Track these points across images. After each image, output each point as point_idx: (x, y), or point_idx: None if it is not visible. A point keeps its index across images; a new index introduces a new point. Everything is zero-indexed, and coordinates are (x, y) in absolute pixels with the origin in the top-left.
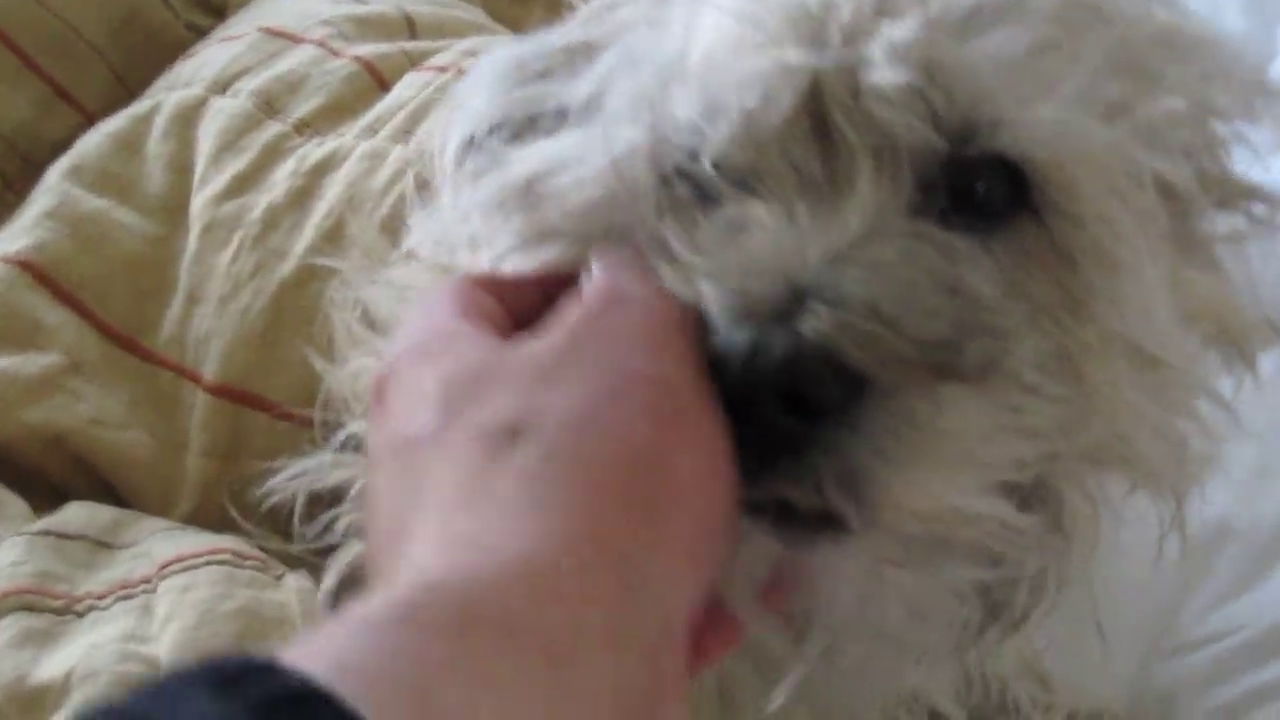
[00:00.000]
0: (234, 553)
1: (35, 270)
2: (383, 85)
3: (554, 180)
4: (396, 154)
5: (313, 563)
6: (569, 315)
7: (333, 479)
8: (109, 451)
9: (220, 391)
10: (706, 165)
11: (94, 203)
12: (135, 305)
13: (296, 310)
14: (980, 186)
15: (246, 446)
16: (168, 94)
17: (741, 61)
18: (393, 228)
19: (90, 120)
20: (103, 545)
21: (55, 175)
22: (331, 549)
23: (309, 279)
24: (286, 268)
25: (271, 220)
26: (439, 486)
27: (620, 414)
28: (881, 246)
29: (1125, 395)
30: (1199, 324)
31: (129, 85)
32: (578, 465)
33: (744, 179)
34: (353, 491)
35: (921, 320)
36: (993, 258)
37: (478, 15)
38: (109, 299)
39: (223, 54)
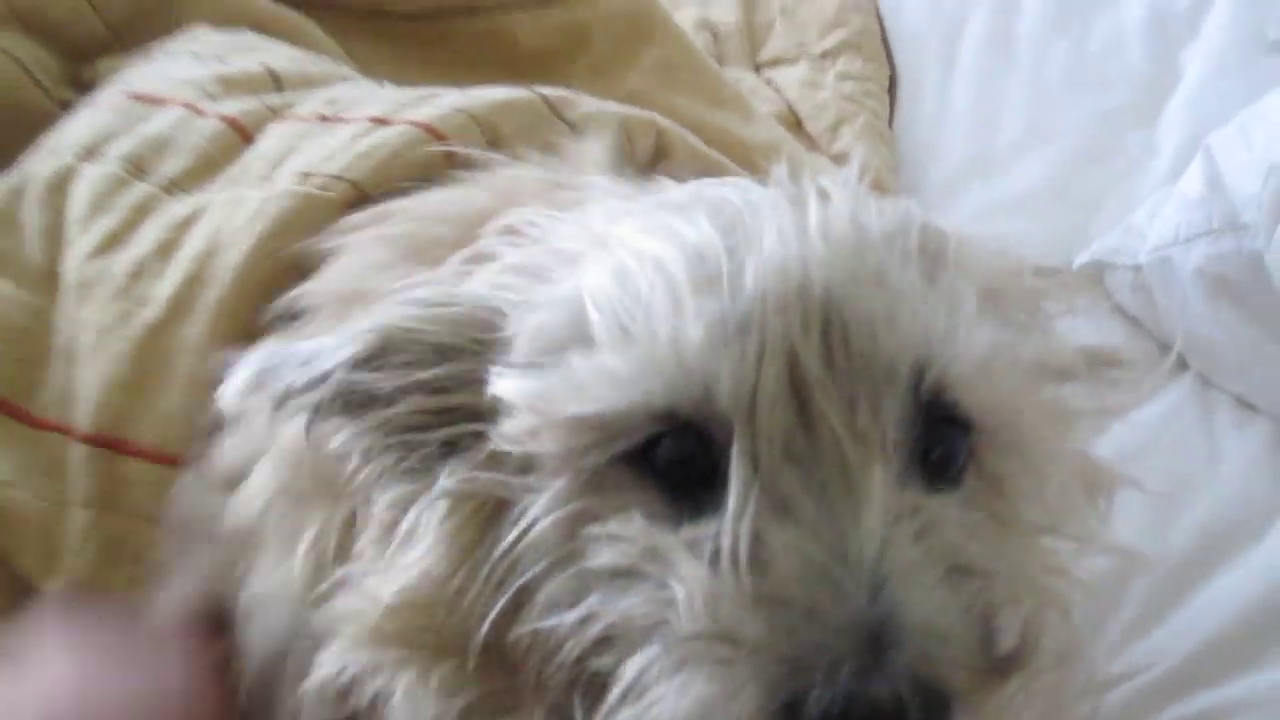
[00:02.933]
0: None
1: None
2: (247, 139)
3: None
4: (255, 196)
5: None
6: None
7: None
8: None
9: (94, 440)
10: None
11: None
12: (19, 373)
13: (161, 354)
14: (946, 449)
15: (125, 496)
16: (38, 164)
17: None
18: (248, 279)
19: None
20: None
21: None
22: None
23: (171, 323)
24: (150, 313)
25: (137, 272)
26: None
27: None
28: (904, 547)
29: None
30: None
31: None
32: None
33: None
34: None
35: (966, 624)
36: (958, 509)
37: (341, 68)
38: None
39: (91, 121)
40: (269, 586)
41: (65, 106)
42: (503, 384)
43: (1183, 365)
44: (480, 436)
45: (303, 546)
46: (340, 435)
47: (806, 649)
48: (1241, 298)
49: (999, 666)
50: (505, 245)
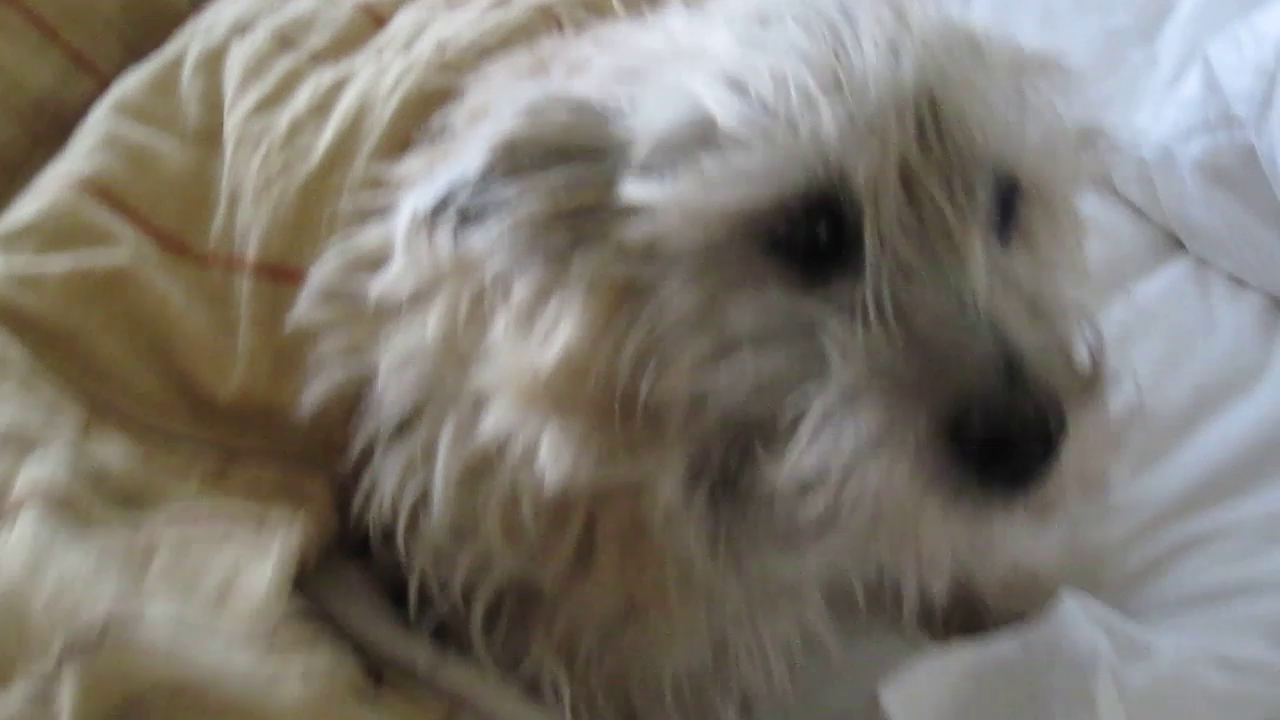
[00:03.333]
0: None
1: (96, 188)
2: (379, 24)
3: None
4: (399, 62)
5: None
6: None
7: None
8: (174, 328)
9: (261, 270)
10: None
11: (140, 132)
12: (184, 215)
13: (321, 197)
14: (1014, 209)
15: (285, 318)
16: (192, 40)
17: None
18: (399, 128)
19: (105, 86)
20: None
21: (101, 112)
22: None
23: (330, 171)
24: (311, 162)
25: (295, 128)
26: None
27: None
28: (1003, 294)
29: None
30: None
31: (138, 55)
32: None
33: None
34: (388, 393)
35: (1057, 351)
36: (1021, 258)
37: None
38: (160, 212)
39: (237, 5)
40: (406, 347)
41: (195, 5)
42: (633, 188)
43: (1181, 247)
44: (606, 230)
45: (436, 312)
46: (478, 239)
47: (957, 378)
48: (1234, 185)
49: (1084, 383)
50: (597, 54)
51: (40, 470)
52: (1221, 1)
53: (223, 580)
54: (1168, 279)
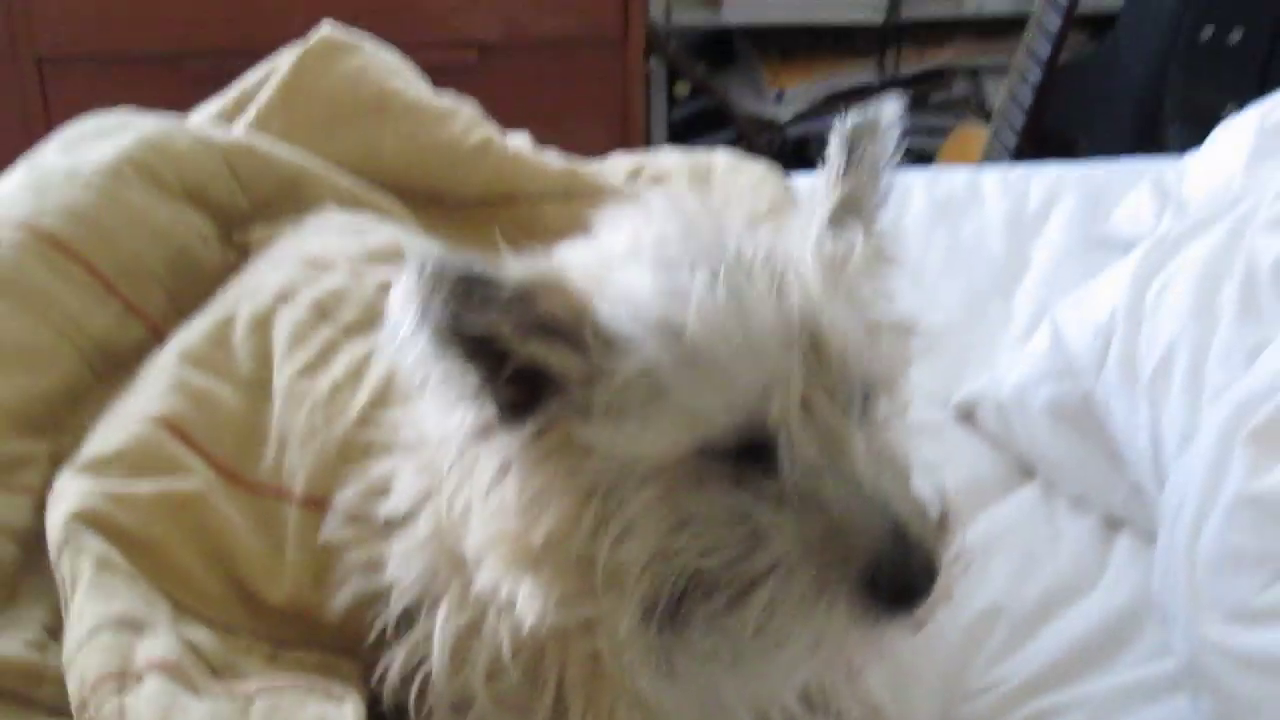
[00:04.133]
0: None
1: (170, 425)
2: None
3: None
4: None
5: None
6: None
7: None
8: (236, 545)
9: (307, 502)
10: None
11: (202, 379)
12: (239, 451)
13: (356, 447)
14: (871, 402)
15: (324, 542)
16: (240, 301)
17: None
18: None
19: (154, 329)
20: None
21: (169, 359)
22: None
23: (364, 426)
24: (349, 419)
25: (335, 391)
26: None
27: None
28: (883, 475)
29: None
30: None
31: (178, 304)
32: None
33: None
34: (395, 591)
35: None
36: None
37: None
38: (220, 447)
39: (279, 275)
40: (406, 549)
41: (225, 262)
42: (599, 432)
43: (1032, 474)
44: (572, 433)
45: (426, 515)
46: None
47: (865, 545)
48: (1076, 425)
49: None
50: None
51: (155, 646)
52: (1066, 268)
53: None
54: (1021, 500)
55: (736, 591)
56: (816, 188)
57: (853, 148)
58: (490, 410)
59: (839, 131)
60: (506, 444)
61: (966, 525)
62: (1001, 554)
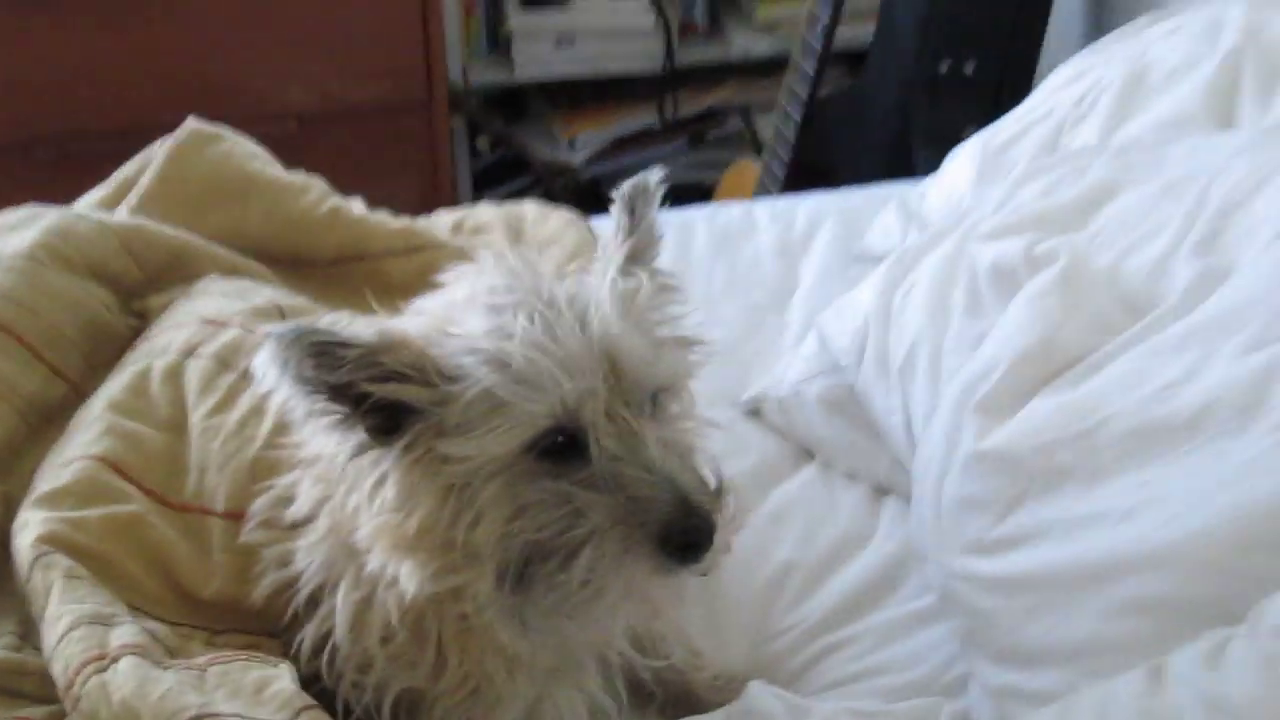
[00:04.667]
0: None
1: (108, 463)
2: None
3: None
4: None
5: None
6: None
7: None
8: (171, 554)
9: (228, 515)
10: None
11: (129, 424)
12: (165, 480)
13: (265, 466)
14: (660, 403)
15: (244, 545)
16: (152, 358)
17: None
18: None
19: (75, 388)
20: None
21: (99, 409)
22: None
23: (269, 450)
24: (256, 445)
25: (241, 425)
26: None
27: None
28: (670, 458)
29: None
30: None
31: (92, 364)
32: None
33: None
34: (303, 579)
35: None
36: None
37: (299, 298)
38: (149, 478)
39: (182, 334)
40: (309, 544)
41: (129, 327)
42: (453, 445)
43: (811, 456)
44: (433, 446)
45: (323, 516)
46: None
47: (658, 515)
48: (843, 412)
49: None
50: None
51: (123, 634)
52: (829, 283)
53: (257, 685)
54: (804, 478)
55: (565, 556)
56: (607, 239)
57: (631, 208)
58: (359, 436)
59: (618, 195)
60: (380, 458)
61: (742, 495)
62: (791, 521)
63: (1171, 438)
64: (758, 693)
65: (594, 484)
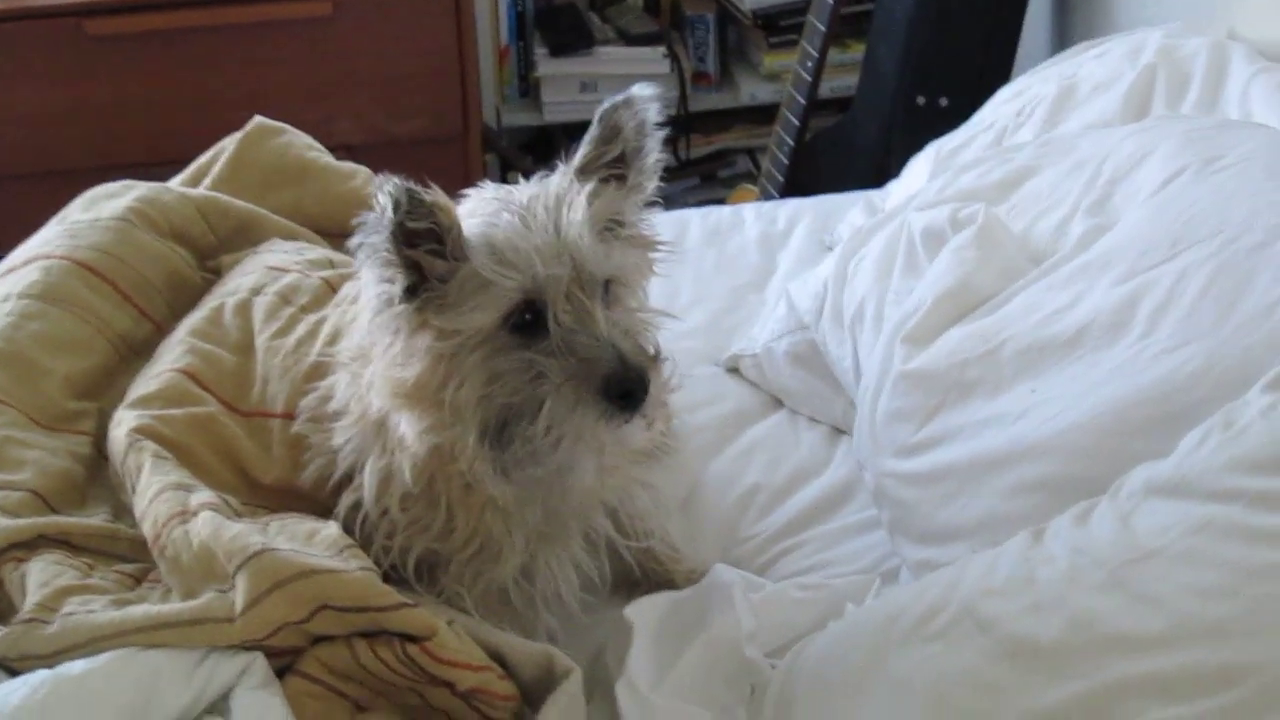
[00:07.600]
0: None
1: (189, 374)
2: (334, 290)
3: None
4: (350, 311)
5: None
6: None
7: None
8: (239, 448)
9: (285, 415)
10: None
11: (206, 345)
12: (235, 390)
13: (315, 374)
14: (611, 290)
15: (295, 435)
16: (225, 297)
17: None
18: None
19: (159, 328)
20: None
21: (182, 334)
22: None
23: (320, 364)
24: (309, 360)
25: (298, 345)
26: None
27: None
28: (616, 333)
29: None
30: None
31: (174, 309)
32: None
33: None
34: (339, 458)
35: (641, 347)
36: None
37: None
38: (222, 388)
39: (250, 279)
40: (344, 430)
41: (204, 280)
42: (446, 319)
43: (781, 404)
44: (429, 320)
45: (355, 403)
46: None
47: (602, 371)
48: (808, 365)
49: (654, 360)
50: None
51: (201, 497)
52: (802, 266)
53: (309, 533)
54: (774, 421)
55: (531, 413)
56: (578, 147)
57: (606, 119)
58: (400, 285)
59: (599, 110)
60: (399, 315)
61: (677, 365)
62: (759, 454)
63: (1057, 352)
64: (721, 570)
65: (552, 351)
